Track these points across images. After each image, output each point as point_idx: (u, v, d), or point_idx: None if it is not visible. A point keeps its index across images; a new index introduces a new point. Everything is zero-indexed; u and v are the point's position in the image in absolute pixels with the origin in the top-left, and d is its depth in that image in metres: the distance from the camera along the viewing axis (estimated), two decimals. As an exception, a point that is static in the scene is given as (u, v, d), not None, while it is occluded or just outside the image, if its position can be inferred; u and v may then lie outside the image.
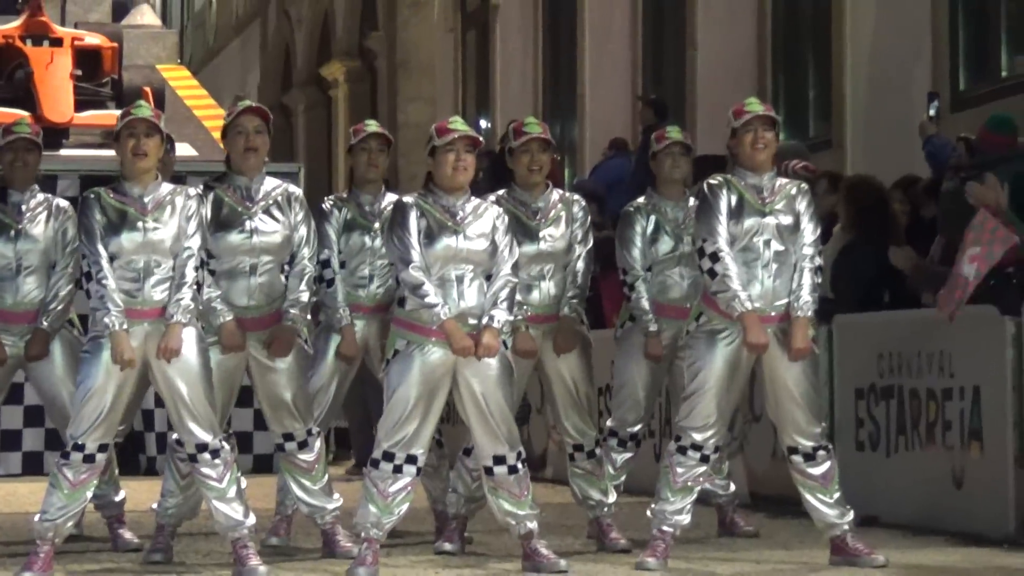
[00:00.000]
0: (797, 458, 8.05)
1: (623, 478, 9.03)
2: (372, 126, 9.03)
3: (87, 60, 14.60)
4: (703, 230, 8.03)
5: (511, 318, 7.91)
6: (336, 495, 8.50)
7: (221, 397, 8.09)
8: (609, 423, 9.13)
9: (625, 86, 17.76)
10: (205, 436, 7.81)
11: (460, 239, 7.83)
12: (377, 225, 8.76)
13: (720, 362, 7.99)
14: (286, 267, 8.27)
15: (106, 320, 7.62)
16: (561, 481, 10.63)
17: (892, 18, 13.73)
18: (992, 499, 8.83)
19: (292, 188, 8.38)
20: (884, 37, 13.82)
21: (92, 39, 14.96)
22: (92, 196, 7.86)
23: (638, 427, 9.03)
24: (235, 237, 8.17)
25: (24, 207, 8.69)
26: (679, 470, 8.02)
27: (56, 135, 13.54)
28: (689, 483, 8.04)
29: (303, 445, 8.42)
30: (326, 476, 8.48)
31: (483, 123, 21.37)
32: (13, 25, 14.79)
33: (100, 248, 7.70)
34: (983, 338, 8.97)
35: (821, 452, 8.03)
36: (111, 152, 8.25)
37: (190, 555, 8.57)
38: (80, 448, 7.76)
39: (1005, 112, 10.74)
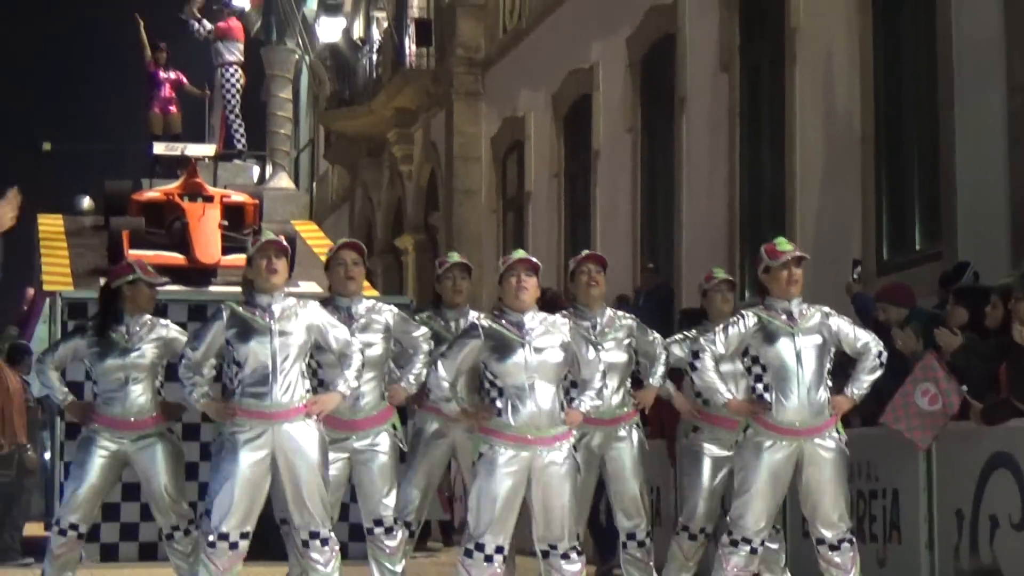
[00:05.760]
0: (823, 548, 7.46)
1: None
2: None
3: (233, 214, 14.40)
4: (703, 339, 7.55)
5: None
6: None
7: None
8: (681, 519, 8.58)
9: (628, 255, 17.85)
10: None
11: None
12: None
13: (765, 469, 7.39)
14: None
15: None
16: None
17: (831, 203, 13.82)
18: (908, 577, 8.79)
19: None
20: (825, 217, 13.90)
21: (238, 197, 14.78)
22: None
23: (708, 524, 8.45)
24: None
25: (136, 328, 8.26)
26: (732, 561, 7.48)
27: (206, 274, 13.44)
28: (740, 574, 7.51)
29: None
30: None
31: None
32: (174, 185, 14.71)
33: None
34: (901, 452, 8.94)
35: (845, 544, 7.47)
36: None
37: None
38: (224, 536, 7.15)
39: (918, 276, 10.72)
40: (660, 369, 8.29)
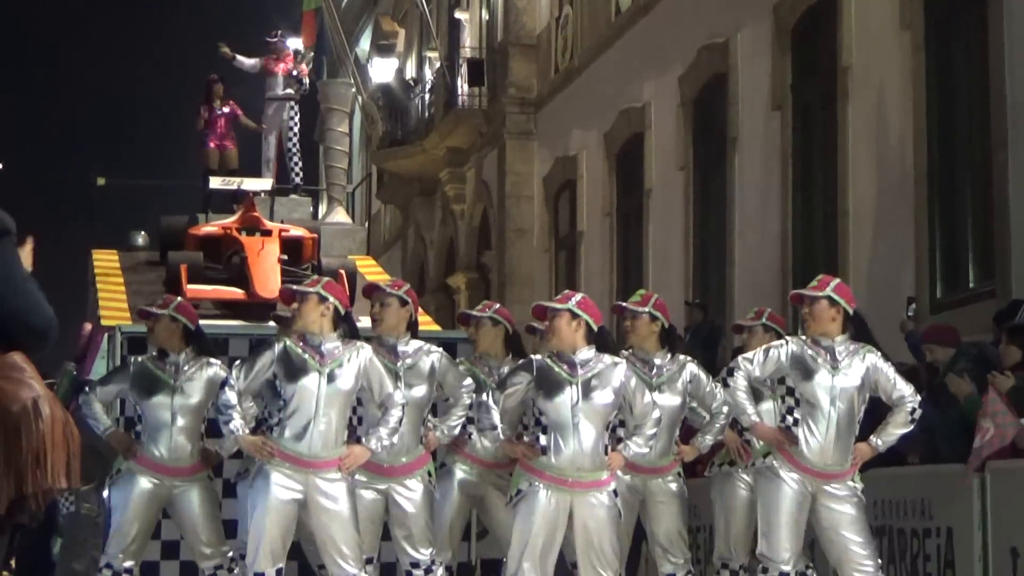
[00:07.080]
0: None
1: None
2: None
3: (292, 248, 14.26)
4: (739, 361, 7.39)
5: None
6: None
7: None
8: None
9: (680, 293, 17.85)
10: None
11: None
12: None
13: (787, 499, 7.24)
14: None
15: None
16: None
17: (884, 241, 13.78)
18: (963, 616, 8.70)
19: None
20: (878, 255, 13.86)
21: (296, 231, 14.63)
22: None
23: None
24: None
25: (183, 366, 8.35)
26: None
27: (265, 308, 13.20)
28: None
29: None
30: None
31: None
32: (231, 219, 14.64)
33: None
34: (956, 490, 8.88)
35: None
36: None
37: None
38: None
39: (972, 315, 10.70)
40: (715, 428, 8.10)
